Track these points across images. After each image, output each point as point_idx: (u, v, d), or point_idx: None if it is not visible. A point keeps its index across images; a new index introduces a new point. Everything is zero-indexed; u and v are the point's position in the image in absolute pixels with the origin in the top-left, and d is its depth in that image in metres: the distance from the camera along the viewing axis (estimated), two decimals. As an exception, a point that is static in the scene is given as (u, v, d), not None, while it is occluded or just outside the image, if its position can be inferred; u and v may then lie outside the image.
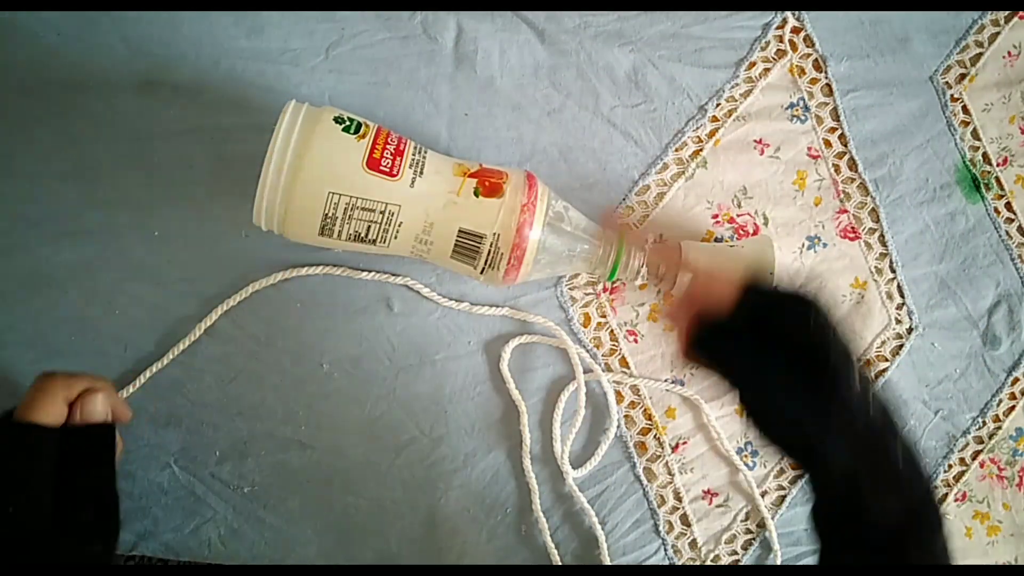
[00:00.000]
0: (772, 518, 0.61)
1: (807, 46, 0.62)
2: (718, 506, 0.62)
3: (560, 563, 0.58)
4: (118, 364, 0.56)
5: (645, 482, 0.60)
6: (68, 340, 0.56)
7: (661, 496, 0.61)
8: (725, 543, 0.61)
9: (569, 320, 0.60)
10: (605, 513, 0.60)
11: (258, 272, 0.57)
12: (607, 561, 0.59)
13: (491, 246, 0.49)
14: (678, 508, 0.61)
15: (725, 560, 0.61)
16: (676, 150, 0.61)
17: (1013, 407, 0.64)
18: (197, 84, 0.57)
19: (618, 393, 0.60)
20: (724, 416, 0.61)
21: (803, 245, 0.62)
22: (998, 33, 0.63)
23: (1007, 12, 0.63)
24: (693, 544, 0.61)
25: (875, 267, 0.63)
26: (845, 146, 0.62)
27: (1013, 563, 0.64)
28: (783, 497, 0.62)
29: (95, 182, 0.56)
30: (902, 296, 0.63)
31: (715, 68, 0.61)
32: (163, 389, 0.57)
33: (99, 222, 0.56)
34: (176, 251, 0.57)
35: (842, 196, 0.63)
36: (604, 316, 0.61)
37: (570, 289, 0.60)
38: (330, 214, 0.47)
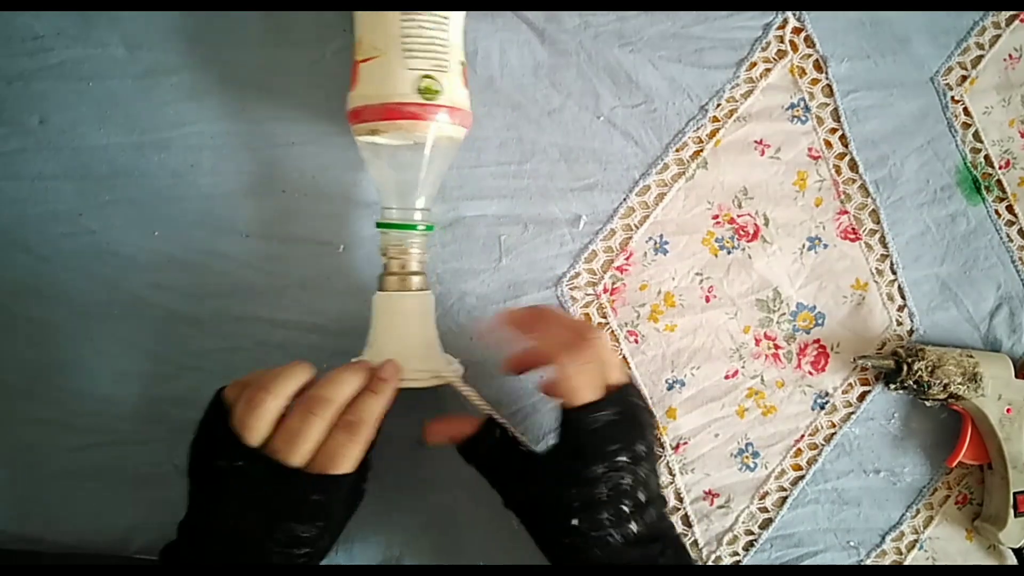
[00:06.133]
0: (774, 519, 0.61)
1: (808, 46, 0.62)
2: (719, 507, 0.61)
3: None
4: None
5: (645, 483, 0.60)
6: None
7: (662, 497, 0.60)
8: (726, 544, 0.61)
9: (569, 320, 0.60)
10: (605, 514, 0.59)
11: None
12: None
13: None
14: (679, 509, 0.61)
15: (726, 561, 0.61)
16: (676, 150, 0.61)
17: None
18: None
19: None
20: (725, 417, 0.61)
21: (803, 246, 0.62)
22: (999, 36, 0.63)
23: (1008, 14, 0.63)
24: (694, 545, 0.61)
25: (876, 268, 0.63)
26: (846, 147, 0.62)
27: None
28: (784, 498, 0.62)
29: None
30: (903, 298, 0.63)
31: (715, 68, 0.61)
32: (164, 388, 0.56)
33: (99, 223, 0.57)
34: (173, 250, 0.57)
35: (843, 197, 0.63)
36: (605, 317, 0.60)
37: (571, 289, 0.60)
38: None
